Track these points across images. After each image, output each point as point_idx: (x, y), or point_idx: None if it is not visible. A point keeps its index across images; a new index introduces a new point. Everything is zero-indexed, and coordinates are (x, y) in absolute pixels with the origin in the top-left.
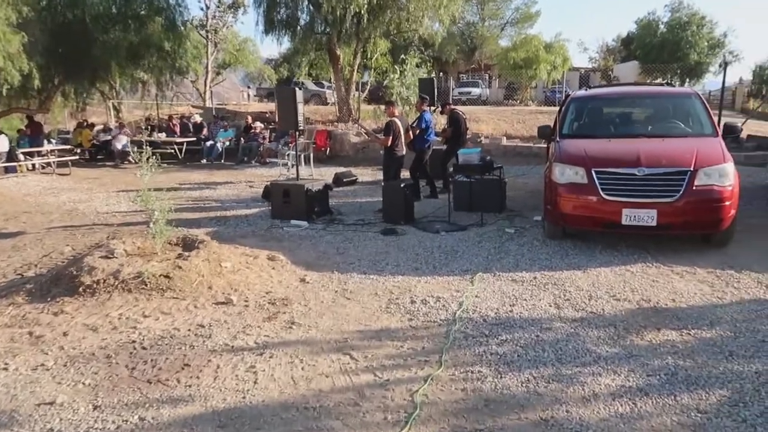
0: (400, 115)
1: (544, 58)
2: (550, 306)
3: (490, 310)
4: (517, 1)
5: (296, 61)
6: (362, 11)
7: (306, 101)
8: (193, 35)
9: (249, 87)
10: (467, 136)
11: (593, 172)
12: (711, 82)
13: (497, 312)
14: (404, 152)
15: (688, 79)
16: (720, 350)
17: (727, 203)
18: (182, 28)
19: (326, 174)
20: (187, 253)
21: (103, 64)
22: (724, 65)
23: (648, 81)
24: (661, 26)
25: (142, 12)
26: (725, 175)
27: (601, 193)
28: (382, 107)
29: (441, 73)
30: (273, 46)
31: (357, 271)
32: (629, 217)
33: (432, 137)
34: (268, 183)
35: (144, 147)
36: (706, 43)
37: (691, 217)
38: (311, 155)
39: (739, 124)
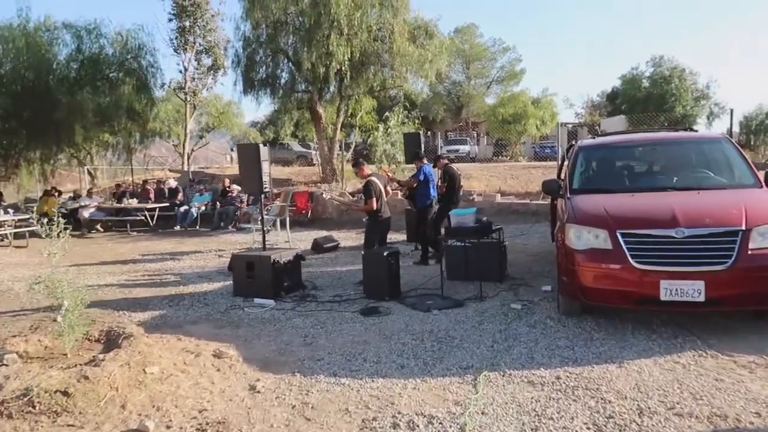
0: (376, 173)
1: (533, 113)
2: (589, 430)
3: None
4: (502, 59)
5: (281, 122)
6: (343, 68)
7: (288, 162)
8: (174, 99)
9: (232, 150)
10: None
11: (619, 235)
12: None
13: None
14: (389, 215)
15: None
16: None
17: None
18: (154, 89)
19: (306, 239)
20: (102, 356)
21: (66, 128)
22: (731, 112)
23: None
24: (645, 81)
25: (112, 74)
26: None
27: (631, 260)
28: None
29: (429, 132)
30: (257, 109)
31: (325, 372)
32: (669, 290)
33: (434, 192)
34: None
35: (105, 216)
36: (690, 95)
37: (749, 289)
38: (287, 219)
39: None
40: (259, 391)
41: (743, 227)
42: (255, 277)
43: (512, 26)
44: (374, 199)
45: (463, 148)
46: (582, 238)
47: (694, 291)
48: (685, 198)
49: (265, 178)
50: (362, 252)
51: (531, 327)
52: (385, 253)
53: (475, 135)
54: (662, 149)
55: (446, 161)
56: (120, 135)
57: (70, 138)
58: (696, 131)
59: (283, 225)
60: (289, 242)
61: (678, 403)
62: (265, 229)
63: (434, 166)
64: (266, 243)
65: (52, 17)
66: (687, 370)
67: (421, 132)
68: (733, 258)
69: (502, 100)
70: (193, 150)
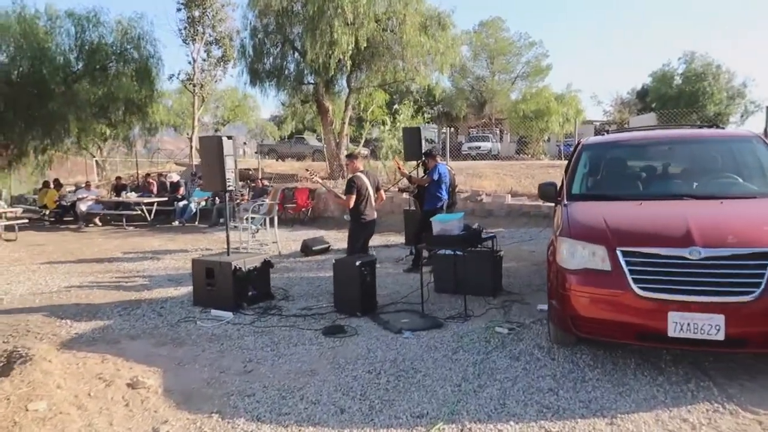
0: (369, 171)
1: (556, 109)
2: None
3: None
4: (528, 54)
5: (299, 116)
6: (345, 57)
7: (303, 157)
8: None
9: (245, 143)
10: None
11: (619, 254)
12: None
13: None
14: (374, 217)
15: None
16: None
17: None
18: (157, 81)
19: (298, 239)
20: None
21: (60, 119)
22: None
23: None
24: (677, 78)
25: (110, 64)
26: None
27: (633, 286)
28: (372, 161)
29: (451, 128)
30: (264, 101)
31: (248, 415)
32: (680, 325)
33: (446, 195)
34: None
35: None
36: (724, 94)
37: None
38: (275, 218)
39: None
40: None
41: None
42: (215, 285)
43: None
44: (353, 196)
45: (485, 145)
46: (576, 255)
47: (711, 327)
48: (704, 209)
49: (229, 175)
50: (333, 260)
51: (513, 359)
52: (357, 263)
53: (499, 132)
54: (681, 149)
55: (438, 161)
56: (119, 127)
57: (64, 129)
58: (723, 128)
59: (271, 223)
60: (278, 243)
61: None
62: (255, 228)
63: (424, 167)
64: (253, 243)
65: (54, 5)
66: (695, 430)
67: (421, 127)
68: (762, 287)
69: (525, 95)
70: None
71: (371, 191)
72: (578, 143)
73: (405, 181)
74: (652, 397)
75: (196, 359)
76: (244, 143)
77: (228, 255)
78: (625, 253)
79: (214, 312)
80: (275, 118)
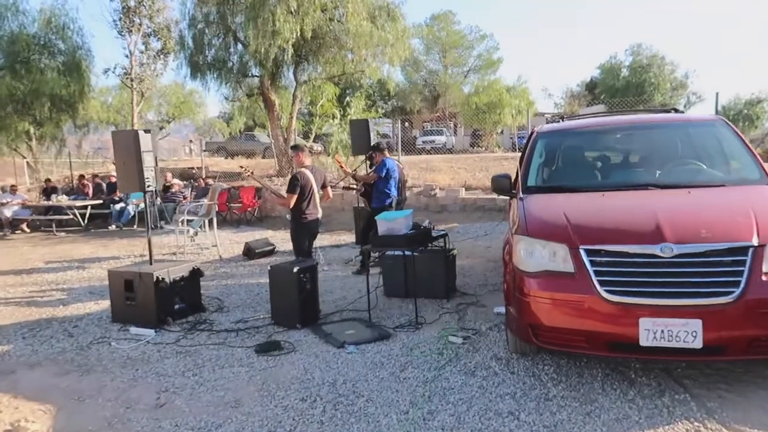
0: (315, 167)
1: (508, 101)
2: None
3: None
4: (479, 47)
5: (249, 113)
6: (289, 47)
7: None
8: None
9: (191, 141)
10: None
11: (583, 253)
12: None
13: None
14: (318, 216)
15: None
16: None
17: None
18: (87, 75)
19: (242, 242)
20: None
21: None
22: (716, 95)
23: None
24: (624, 70)
25: (32, 55)
26: None
27: (599, 289)
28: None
29: (405, 123)
30: (216, 96)
31: None
32: (652, 332)
33: (394, 192)
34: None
35: None
36: (669, 85)
37: (764, 330)
38: (214, 219)
39: None
40: None
41: (755, 242)
42: (135, 299)
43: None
44: (295, 195)
45: (440, 139)
46: (534, 255)
47: (687, 334)
48: (672, 200)
49: (148, 174)
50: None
51: (468, 375)
52: (295, 269)
53: (452, 125)
54: (641, 135)
55: (384, 155)
56: (46, 125)
57: None
58: (683, 112)
59: (210, 225)
60: (218, 246)
61: None
62: (193, 230)
63: (371, 162)
64: (192, 247)
65: None
66: None
67: (369, 119)
68: (741, 287)
69: (477, 88)
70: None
71: (316, 189)
72: (532, 132)
73: (351, 179)
74: (625, 417)
75: (101, 391)
76: (191, 141)
77: (150, 264)
78: (589, 252)
79: (133, 330)
80: (224, 114)
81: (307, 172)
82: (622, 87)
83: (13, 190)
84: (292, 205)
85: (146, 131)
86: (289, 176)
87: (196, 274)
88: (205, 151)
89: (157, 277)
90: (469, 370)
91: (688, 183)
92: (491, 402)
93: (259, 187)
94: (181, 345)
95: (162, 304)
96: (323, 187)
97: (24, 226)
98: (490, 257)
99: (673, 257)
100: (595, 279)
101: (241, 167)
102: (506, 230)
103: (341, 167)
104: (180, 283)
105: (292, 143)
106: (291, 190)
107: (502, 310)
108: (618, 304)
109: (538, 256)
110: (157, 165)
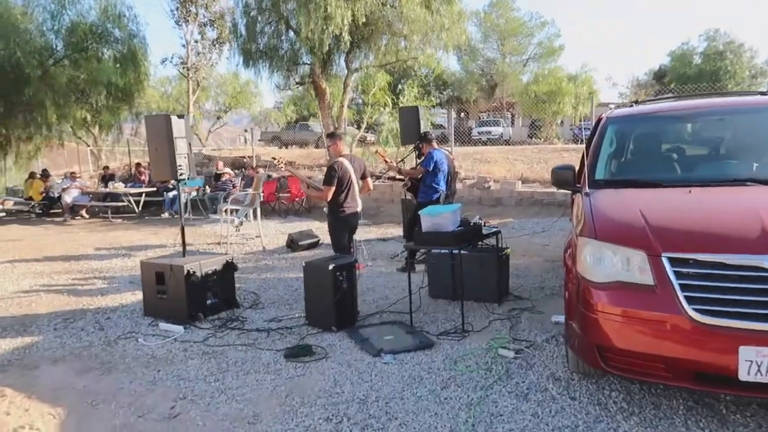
0: (354, 156)
1: (568, 90)
2: None
3: None
4: (539, 35)
5: (305, 103)
6: (343, 33)
7: (306, 144)
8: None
9: (246, 131)
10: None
11: (666, 263)
12: None
13: None
14: (357, 209)
15: None
16: None
17: None
18: (143, 64)
19: (287, 232)
20: None
21: (37, 105)
22: None
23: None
24: (696, 57)
25: (90, 45)
26: None
27: (686, 308)
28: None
29: (461, 113)
30: (267, 85)
31: None
32: (756, 364)
33: (443, 186)
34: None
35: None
36: (747, 72)
37: None
38: (258, 210)
39: None
40: None
41: None
42: (167, 292)
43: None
44: (332, 187)
45: (496, 130)
46: (604, 262)
47: None
48: None
49: (180, 161)
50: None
51: (520, 398)
52: (330, 266)
53: (510, 116)
54: (735, 120)
55: (434, 146)
56: (103, 114)
57: (42, 116)
58: None
59: (254, 215)
60: (261, 237)
61: None
62: (240, 220)
63: (418, 153)
64: (236, 238)
65: None
66: None
67: (419, 106)
68: None
69: (537, 77)
70: (210, 131)
71: (355, 180)
72: (600, 118)
73: (397, 173)
74: None
75: (117, 395)
76: (245, 131)
77: (183, 256)
78: (674, 262)
79: (162, 325)
80: (280, 105)
81: (346, 162)
82: (694, 75)
83: (73, 176)
84: (329, 198)
85: (179, 116)
86: (326, 169)
87: (229, 267)
88: (260, 140)
89: (188, 270)
90: (522, 393)
91: None
92: None
93: (309, 177)
94: (208, 344)
95: (193, 298)
96: (363, 177)
97: (83, 212)
98: (547, 256)
99: None
100: (680, 294)
101: (273, 158)
102: (568, 229)
103: (384, 161)
104: (213, 277)
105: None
106: (328, 181)
107: (561, 319)
108: (711, 327)
109: (608, 263)
110: (191, 152)
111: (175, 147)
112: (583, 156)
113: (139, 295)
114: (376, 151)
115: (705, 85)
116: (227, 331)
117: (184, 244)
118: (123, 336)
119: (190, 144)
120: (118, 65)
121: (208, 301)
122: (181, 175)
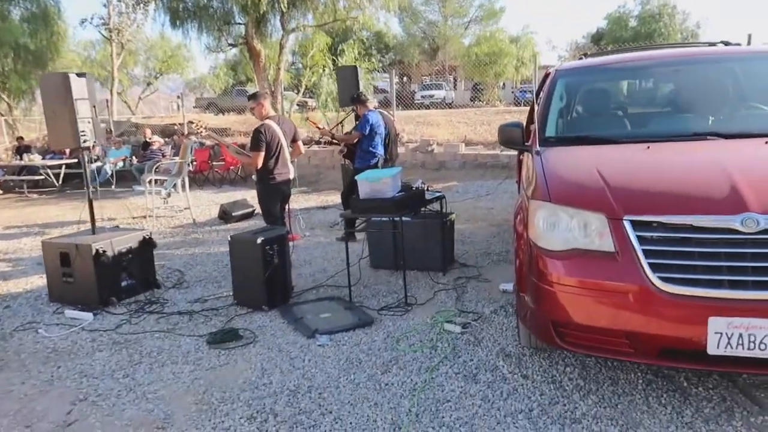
0: (282, 117)
1: (509, 51)
2: None
3: None
4: None
5: (241, 67)
6: None
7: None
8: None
9: (178, 97)
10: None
11: (628, 226)
12: None
13: None
14: (289, 176)
15: None
16: None
17: None
18: (57, 24)
19: (221, 203)
20: None
21: None
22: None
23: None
24: (632, 20)
25: None
26: None
27: (650, 276)
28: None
29: (404, 77)
30: (197, 46)
31: None
32: (726, 337)
33: (380, 150)
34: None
35: None
36: (680, 35)
37: None
38: (186, 179)
39: None
40: None
41: None
42: (73, 275)
43: None
44: (262, 153)
45: (439, 93)
46: (560, 228)
47: None
48: (748, 154)
49: (83, 127)
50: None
51: (469, 379)
52: (259, 240)
53: (452, 79)
54: (691, 71)
55: (373, 106)
56: (11, 78)
57: None
58: (739, 45)
59: (183, 186)
60: (190, 209)
61: None
62: (167, 191)
63: (356, 115)
64: (164, 210)
65: None
66: None
67: (357, 66)
68: None
69: (478, 39)
70: (140, 98)
71: (284, 143)
72: (547, 73)
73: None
74: None
75: (4, 400)
76: (178, 97)
77: (93, 233)
78: (636, 225)
79: (69, 312)
80: (214, 69)
81: (273, 125)
82: (630, 38)
83: None
84: (259, 165)
85: (80, 74)
86: (252, 133)
87: (147, 244)
88: (195, 107)
89: (97, 250)
90: (470, 373)
91: (762, 131)
92: (499, 424)
93: (244, 144)
94: (120, 332)
95: (104, 281)
96: (293, 141)
97: None
98: (493, 221)
99: (758, 233)
100: (644, 262)
101: (191, 122)
102: (513, 192)
103: (317, 127)
104: (127, 256)
105: (279, 96)
106: (255, 147)
107: (509, 287)
108: (677, 297)
109: (564, 229)
110: (96, 115)
111: (75, 110)
112: (530, 113)
113: (46, 279)
114: (307, 119)
115: (642, 44)
116: (144, 315)
117: (93, 220)
118: (21, 327)
119: (94, 107)
120: (27, 24)
121: (123, 283)
122: (84, 142)
